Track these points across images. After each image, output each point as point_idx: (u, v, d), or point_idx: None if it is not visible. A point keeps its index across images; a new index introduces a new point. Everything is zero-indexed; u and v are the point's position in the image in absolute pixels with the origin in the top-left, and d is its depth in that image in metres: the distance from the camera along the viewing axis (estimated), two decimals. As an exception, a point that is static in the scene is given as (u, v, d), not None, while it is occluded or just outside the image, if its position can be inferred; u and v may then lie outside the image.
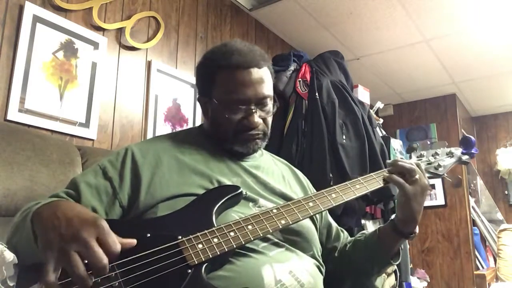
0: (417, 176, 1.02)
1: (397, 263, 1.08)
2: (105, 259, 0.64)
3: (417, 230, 1.05)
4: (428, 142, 1.30)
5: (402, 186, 1.02)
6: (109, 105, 1.87)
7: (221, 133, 1.05)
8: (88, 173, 0.95)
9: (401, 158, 1.27)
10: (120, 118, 1.90)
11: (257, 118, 1.02)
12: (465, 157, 1.29)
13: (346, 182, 1.04)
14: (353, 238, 1.18)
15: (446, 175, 1.23)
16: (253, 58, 1.02)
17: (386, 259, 1.07)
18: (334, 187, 1.01)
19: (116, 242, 0.67)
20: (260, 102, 1.03)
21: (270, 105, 1.06)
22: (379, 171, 1.10)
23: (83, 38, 1.77)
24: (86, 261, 0.65)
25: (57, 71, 1.66)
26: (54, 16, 1.67)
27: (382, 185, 1.07)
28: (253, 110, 1.01)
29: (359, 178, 1.06)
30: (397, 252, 1.08)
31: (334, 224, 1.21)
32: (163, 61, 2.15)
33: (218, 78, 1.02)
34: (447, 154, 1.27)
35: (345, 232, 1.22)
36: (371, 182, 1.06)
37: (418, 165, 1.07)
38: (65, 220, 0.68)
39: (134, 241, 0.72)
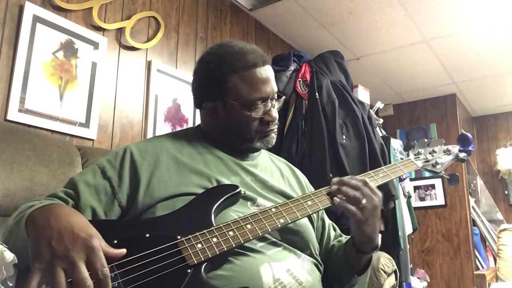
0: (363, 202, 0.94)
1: (362, 276, 1.04)
2: (88, 283, 0.64)
3: (378, 243, 1.00)
4: (426, 140, 1.29)
5: (353, 215, 0.95)
6: (109, 105, 1.87)
7: (241, 133, 1.05)
8: (87, 173, 0.95)
9: (401, 158, 1.28)
10: (120, 118, 1.90)
11: (275, 113, 1.06)
12: (462, 154, 1.29)
13: (364, 173, 1.05)
14: (332, 243, 1.17)
15: (443, 172, 1.23)
16: (263, 55, 1.06)
17: (350, 274, 1.05)
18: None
19: (104, 265, 0.67)
20: (274, 97, 1.06)
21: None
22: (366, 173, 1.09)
23: (83, 38, 1.77)
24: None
25: (57, 71, 1.66)
26: (54, 16, 1.67)
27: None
28: (272, 105, 1.05)
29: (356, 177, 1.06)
30: (365, 266, 1.05)
31: (327, 222, 1.20)
32: (163, 61, 2.15)
33: (234, 80, 1.01)
34: (444, 152, 1.27)
35: (337, 230, 1.22)
36: (371, 181, 1.07)
37: (365, 183, 0.97)
38: (58, 232, 0.68)
39: (123, 251, 0.72)
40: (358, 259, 1.03)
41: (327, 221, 1.21)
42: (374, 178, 1.08)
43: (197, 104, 1.11)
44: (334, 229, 1.22)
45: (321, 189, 1.00)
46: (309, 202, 0.95)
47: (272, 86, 1.05)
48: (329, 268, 1.08)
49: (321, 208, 0.96)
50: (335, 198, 0.96)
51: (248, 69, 1.01)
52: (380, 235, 1.04)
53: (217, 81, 1.03)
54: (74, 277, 0.64)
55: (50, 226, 0.69)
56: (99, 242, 0.69)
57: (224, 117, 1.05)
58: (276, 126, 1.09)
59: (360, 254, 1.02)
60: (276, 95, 1.07)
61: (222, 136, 1.08)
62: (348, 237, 1.12)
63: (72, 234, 0.68)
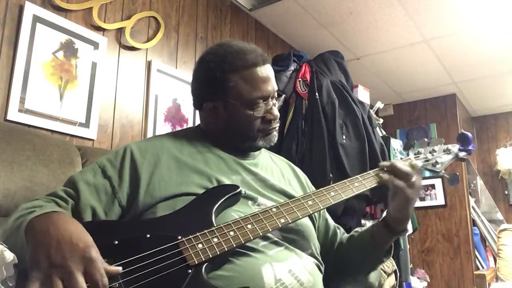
0: (413, 179, 1.03)
1: (388, 259, 1.11)
2: None
3: (409, 227, 1.06)
4: (426, 139, 1.29)
5: (403, 190, 1.02)
6: (109, 105, 1.87)
7: (243, 132, 1.06)
8: (87, 172, 0.95)
9: (401, 158, 1.28)
10: (120, 118, 1.90)
11: (276, 111, 1.07)
12: (462, 154, 1.28)
13: (344, 180, 1.04)
14: (348, 234, 1.20)
15: (443, 172, 1.23)
16: (263, 54, 1.06)
17: (378, 256, 1.10)
18: (333, 185, 1.02)
19: (104, 275, 0.67)
20: (274, 95, 1.07)
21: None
22: (376, 169, 1.10)
23: (83, 38, 1.77)
24: None
25: (57, 71, 1.66)
26: (54, 16, 1.67)
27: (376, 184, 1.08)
28: (273, 104, 1.06)
29: (357, 176, 1.06)
30: (389, 249, 1.10)
31: (331, 221, 1.21)
32: (163, 61, 2.15)
33: (234, 79, 1.02)
34: (444, 151, 1.27)
35: (341, 229, 1.23)
36: (370, 180, 1.07)
37: (414, 166, 1.08)
38: (56, 241, 0.68)
39: (119, 269, 0.71)
40: (387, 240, 1.08)
41: (331, 220, 1.21)
42: (375, 178, 1.08)
43: (197, 104, 1.11)
44: (338, 228, 1.22)
45: (321, 189, 1.00)
46: (310, 202, 0.95)
47: (273, 85, 1.05)
48: (349, 258, 1.11)
49: (322, 207, 0.96)
50: (384, 174, 1.05)
51: (248, 68, 1.02)
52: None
53: (218, 81, 1.03)
54: (71, 287, 0.64)
55: (49, 235, 0.69)
56: (97, 253, 0.68)
57: (225, 117, 1.05)
58: (278, 124, 1.10)
59: (390, 235, 1.07)
60: (276, 93, 1.07)
61: (223, 135, 1.08)
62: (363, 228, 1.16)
63: (70, 243, 0.68)
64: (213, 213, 0.86)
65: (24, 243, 0.72)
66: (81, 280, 0.65)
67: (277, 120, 1.08)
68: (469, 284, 3.90)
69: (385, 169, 1.07)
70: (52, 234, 0.69)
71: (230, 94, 1.02)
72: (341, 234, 1.21)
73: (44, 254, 0.66)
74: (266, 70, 1.04)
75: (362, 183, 1.05)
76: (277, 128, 1.10)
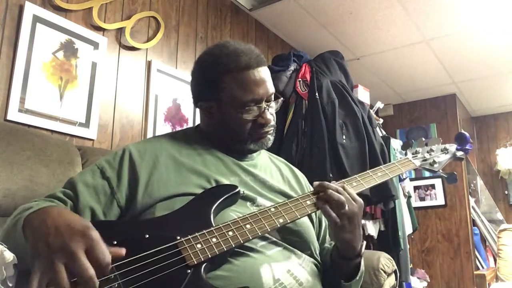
0: (346, 209, 0.92)
1: (353, 283, 1.00)
2: (90, 271, 0.62)
3: (361, 250, 0.98)
4: (423, 139, 1.29)
5: (332, 221, 0.93)
6: (109, 105, 1.87)
7: (234, 134, 1.04)
8: (86, 173, 0.95)
9: (401, 158, 1.27)
10: (120, 118, 1.90)
11: (269, 115, 1.04)
12: (459, 153, 1.29)
13: (342, 180, 1.04)
14: (327, 243, 1.16)
15: (441, 171, 1.23)
16: (258, 56, 1.04)
17: (334, 277, 1.00)
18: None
19: (106, 253, 0.65)
20: (269, 98, 1.04)
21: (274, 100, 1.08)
22: (355, 176, 1.07)
23: (83, 38, 1.77)
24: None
25: (57, 71, 1.66)
26: (54, 16, 1.67)
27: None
28: (266, 107, 1.03)
29: (355, 176, 1.06)
30: (350, 275, 1.00)
31: (325, 223, 1.19)
32: (163, 61, 2.15)
33: (227, 81, 1.01)
34: (442, 151, 1.27)
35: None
36: (368, 180, 1.07)
37: (344, 189, 0.95)
38: (54, 229, 0.67)
39: (123, 251, 0.71)
40: (343, 265, 0.99)
41: (325, 222, 1.19)
42: (373, 178, 1.08)
43: (194, 103, 1.12)
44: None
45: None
46: (308, 202, 0.95)
47: (267, 88, 1.03)
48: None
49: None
50: (318, 201, 0.94)
51: (241, 71, 1.00)
52: (364, 243, 1.00)
53: (211, 81, 1.03)
54: (75, 269, 0.62)
55: (46, 226, 0.68)
56: (96, 233, 0.67)
57: (218, 117, 1.05)
58: (272, 128, 1.07)
59: (343, 260, 0.99)
60: (273, 96, 1.06)
61: (218, 135, 1.08)
62: None
63: (68, 227, 0.67)
64: (211, 213, 0.86)
65: (22, 239, 0.72)
66: (84, 258, 0.63)
67: (271, 124, 1.05)
68: (469, 284, 3.91)
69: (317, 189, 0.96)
70: (49, 224, 0.68)
71: (222, 95, 1.02)
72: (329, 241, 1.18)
73: (44, 243, 0.65)
74: (260, 73, 1.02)
75: (360, 182, 1.04)
76: (272, 132, 1.07)
